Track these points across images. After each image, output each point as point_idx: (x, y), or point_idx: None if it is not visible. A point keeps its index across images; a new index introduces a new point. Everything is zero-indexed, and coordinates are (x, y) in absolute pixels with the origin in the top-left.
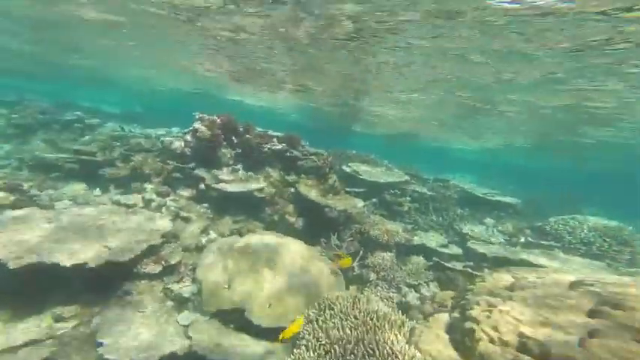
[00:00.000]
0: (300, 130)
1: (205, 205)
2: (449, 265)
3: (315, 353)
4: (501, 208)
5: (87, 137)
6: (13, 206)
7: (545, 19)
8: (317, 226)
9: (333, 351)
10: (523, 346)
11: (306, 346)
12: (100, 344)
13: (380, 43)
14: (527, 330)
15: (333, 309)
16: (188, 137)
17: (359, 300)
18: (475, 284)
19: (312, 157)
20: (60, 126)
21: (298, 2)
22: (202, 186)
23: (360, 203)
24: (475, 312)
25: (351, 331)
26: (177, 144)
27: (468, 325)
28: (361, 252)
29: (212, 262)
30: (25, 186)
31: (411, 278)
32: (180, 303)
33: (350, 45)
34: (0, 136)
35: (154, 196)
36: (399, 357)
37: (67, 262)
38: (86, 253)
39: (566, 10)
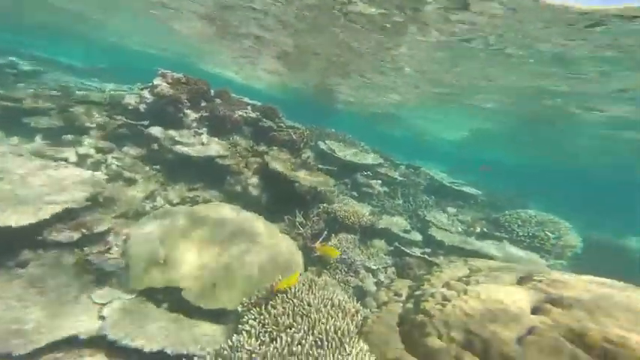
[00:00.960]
0: (283, 107)
1: (156, 167)
2: (408, 251)
3: (258, 341)
4: (464, 198)
5: (21, 84)
6: None
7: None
8: (282, 202)
9: (279, 339)
10: (469, 344)
11: (249, 332)
12: None
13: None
14: (474, 327)
15: (285, 292)
16: (145, 93)
17: (315, 284)
18: (433, 274)
19: (288, 129)
20: None
21: None
22: (155, 146)
23: (330, 182)
24: (429, 305)
25: (302, 318)
26: (131, 99)
27: (420, 318)
28: (325, 233)
29: (150, 232)
30: None
31: (371, 262)
32: (101, 278)
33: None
34: None
35: (91, 152)
36: (347, 349)
37: None
38: None
39: None
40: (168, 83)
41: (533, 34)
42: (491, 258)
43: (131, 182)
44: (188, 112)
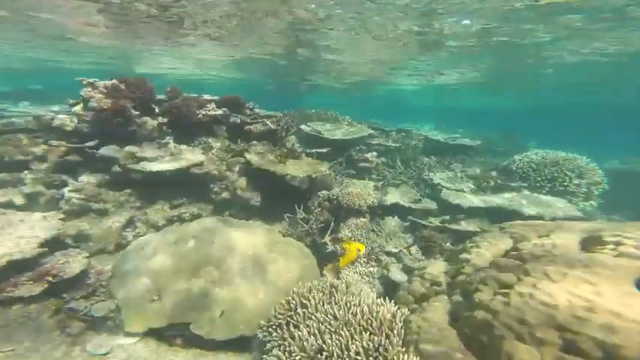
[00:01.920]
0: (251, 95)
1: (127, 190)
2: (425, 222)
3: None
4: (464, 152)
5: None
6: None
7: None
8: (278, 199)
9: None
10: (571, 346)
11: None
12: None
13: None
14: (569, 323)
15: (306, 307)
16: (79, 109)
17: (336, 289)
18: (469, 251)
19: (264, 119)
20: None
21: None
22: (117, 168)
23: (324, 166)
24: (485, 296)
25: (331, 337)
26: (65, 120)
27: (481, 316)
28: (332, 223)
29: (136, 266)
30: None
31: (390, 245)
32: (92, 325)
33: None
34: None
35: (39, 189)
36: None
37: None
38: None
39: None
40: (102, 93)
41: None
42: (523, 216)
43: (102, 213)
44: (141, 121)
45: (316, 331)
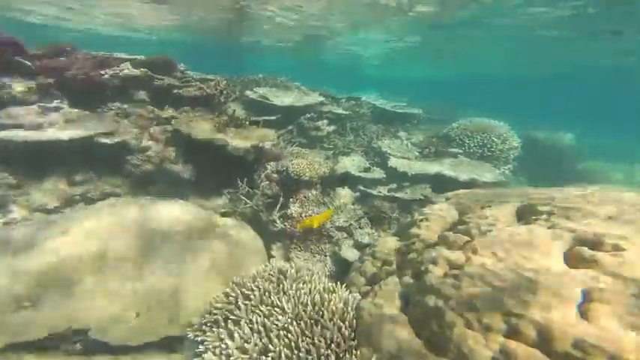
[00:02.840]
0: (188, 59)
1: None
2: (374, 192)
3: None
4: (409, 119)
5: None
6: None
7: None
8: (219, 173)
9: None
10: (514, 331)
11: None
12: None
13: None
14: (511, 305)
15: (249, 298)
16: None
17: (285, 275)
18: (419, 225)
19: (198, 83)
20: None
21: None
22: None
23: (272, 135)
24: (434, 277)
25: (278, 334)
26: None
27: (432, 302)
28: (281, 198)
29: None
30: None
31: (341, 218)
32: None
33: None
34: None
35: None
36: None
37: None
38: None
39: None
40: None
41: None
42: (459, 182)
43: None
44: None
45: (261, 328)
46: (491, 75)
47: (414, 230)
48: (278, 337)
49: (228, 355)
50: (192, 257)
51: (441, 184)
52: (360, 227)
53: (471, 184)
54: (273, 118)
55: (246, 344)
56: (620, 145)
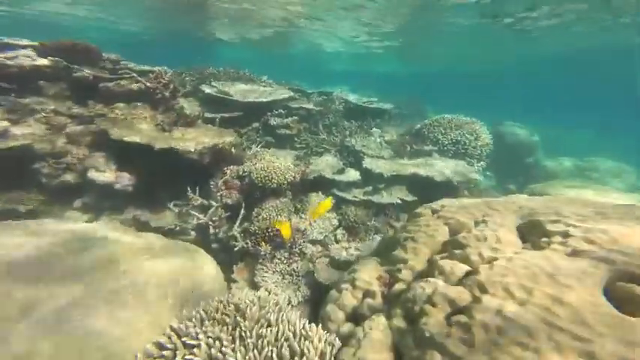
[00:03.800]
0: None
1: None
2: (349, 197)
3: None
4: (380, 115)
5: None
6: None
7: None
8: (167, 182)
9: None
10: None
11: None
12: None
13: None
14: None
15: (193, 352)
16: None
17: (244, 315)
18: (405, 247)
19: (135, 76)
20: None
21: None
22: None
23: (230, 135)
24: (434, 326)
25: None
26: None
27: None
28: (242, 210)
29: None
30: None
31: (315, 230)
32: None
33: None
34: None
35: None
36: None
37: None
38: None
39: None
40: None
41: None
42: (435, 182)
43: None
44: None
45: None
46: (448, 70)
47: (399, 254)
48: None
49: None
50: (116, 296)
51: (417, 185)
52: (336, 241)
53: (447, 183)
54: (235, 115)
55: None
56: (579, 139)
